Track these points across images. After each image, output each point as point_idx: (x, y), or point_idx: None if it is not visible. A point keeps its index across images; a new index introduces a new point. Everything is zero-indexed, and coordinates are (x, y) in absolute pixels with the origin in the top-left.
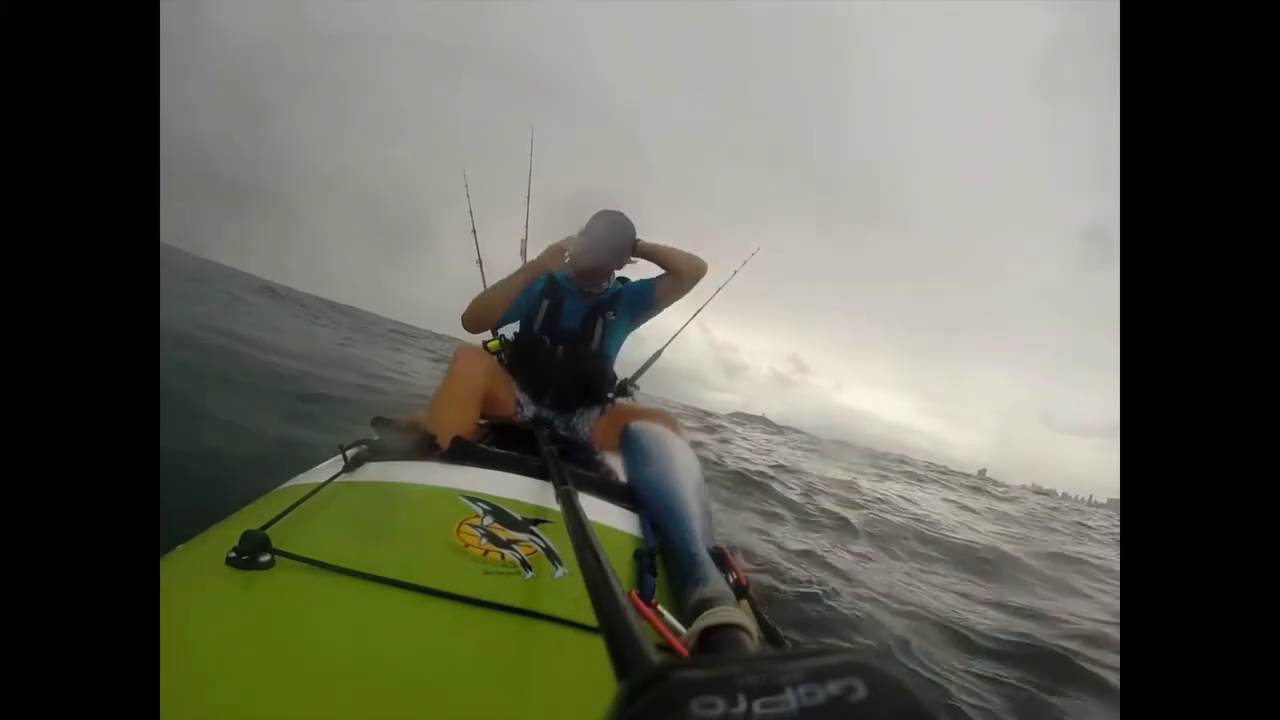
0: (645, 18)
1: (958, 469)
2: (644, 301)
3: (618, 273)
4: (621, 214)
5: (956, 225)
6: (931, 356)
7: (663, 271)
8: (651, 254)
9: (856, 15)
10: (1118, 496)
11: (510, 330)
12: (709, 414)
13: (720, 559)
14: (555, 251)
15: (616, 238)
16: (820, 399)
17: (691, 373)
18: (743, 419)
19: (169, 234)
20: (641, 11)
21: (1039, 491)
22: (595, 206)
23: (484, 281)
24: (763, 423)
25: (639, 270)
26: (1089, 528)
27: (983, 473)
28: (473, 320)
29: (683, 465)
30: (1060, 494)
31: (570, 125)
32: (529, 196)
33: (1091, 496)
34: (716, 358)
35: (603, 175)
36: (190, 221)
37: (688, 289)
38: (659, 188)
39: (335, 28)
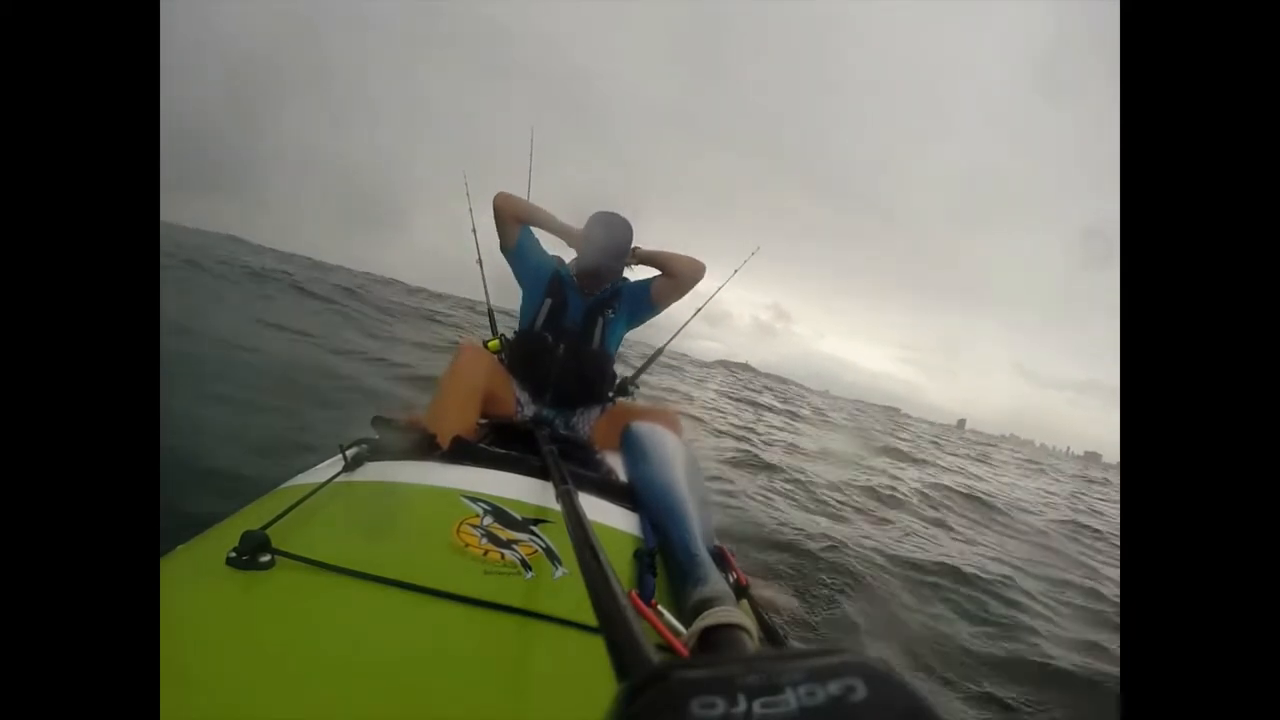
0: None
1: (937, 419)
2: (642, 301)
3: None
4: (618, 216)
5: (950, 218)
6: (912, 308)
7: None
8: (651, 260)
9: (858, 12)
10: (1093, 449)
11: (511, 329)
12: (687, 357)
13: (720, 559)
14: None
15: (615, 241)
16: (802, 347)
17: (676, 320)
18: (729, 366)
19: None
20: None
21: (1018, 441)
22: (594, 205)
23: (484, 281)
24: (748, 370)
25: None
26: None
27: (962, 423)
28: (501, 202)
29: (683, 465)
30: (1038, 444)
31: (553, 113)
32: (529, 195)
33: (1069, 448)
34: (699, 305)
35: (586, 163)
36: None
37: (685, 290)
38: (644, 175)
39: (312, 10)
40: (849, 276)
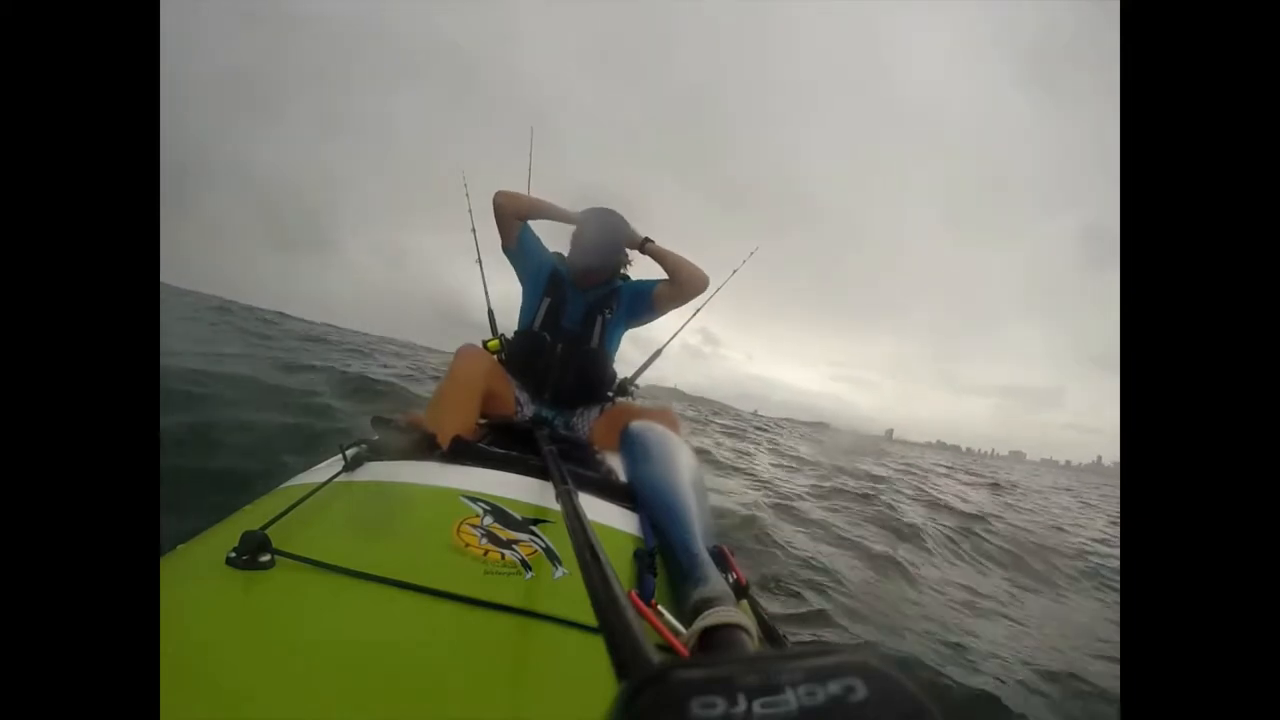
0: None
1: (866, 430)
2: (642, 303)
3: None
4: (612, 212)
5: (892, 226)
6: (835, 324)
7: (665, 277)
8: (659, 257)
9: (856, 10)
10: (1018, 449)
11: (510, 328)
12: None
13: (720, 559)
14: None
15: (607, 239)
16: (731, 369)
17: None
18: (659, 393)
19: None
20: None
21: (944, 447)
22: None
23: (484, 282)
24: (675, 395)
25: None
26: None
27: (889, 433)
28: (503, 200)
29: (683, 465)
30: (965, 449)
31: (488, 116)
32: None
33: (994, 449)
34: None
35: (517, 168)
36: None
37: (687, 299)
38: (623, 186)
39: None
40: (783, 296)
